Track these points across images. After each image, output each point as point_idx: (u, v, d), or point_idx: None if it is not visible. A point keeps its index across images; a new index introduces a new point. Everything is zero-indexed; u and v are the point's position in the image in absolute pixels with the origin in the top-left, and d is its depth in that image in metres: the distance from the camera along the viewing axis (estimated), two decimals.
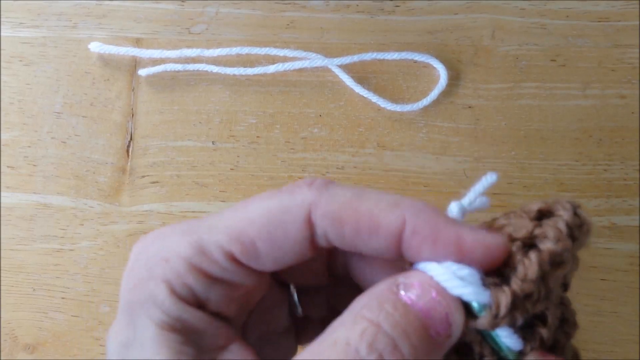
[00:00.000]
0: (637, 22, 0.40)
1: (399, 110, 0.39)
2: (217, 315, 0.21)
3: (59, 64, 0.41)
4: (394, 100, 0.39)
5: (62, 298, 0.39)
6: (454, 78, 0.40)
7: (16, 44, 0.41)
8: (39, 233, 0.39)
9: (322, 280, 0.24)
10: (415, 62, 0.40)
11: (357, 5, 0.41)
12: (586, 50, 0.40)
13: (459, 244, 0.18)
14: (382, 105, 0.39)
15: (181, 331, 0.20)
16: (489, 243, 0.19)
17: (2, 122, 0.40)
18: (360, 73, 0.40)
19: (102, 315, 0.38)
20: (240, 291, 0.21)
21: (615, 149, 0.39)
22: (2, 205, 0.40)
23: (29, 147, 0.40)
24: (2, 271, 0.39)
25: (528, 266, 0.19)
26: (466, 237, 0.18)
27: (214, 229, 0.20)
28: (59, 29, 0.41)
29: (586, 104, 0.39)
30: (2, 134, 0.40)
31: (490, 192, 0.41)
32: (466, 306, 0.19)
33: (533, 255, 0.19)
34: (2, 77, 0.41)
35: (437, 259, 0.19)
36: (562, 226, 0.20)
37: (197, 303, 0.20)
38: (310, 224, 0.20)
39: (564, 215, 0.20)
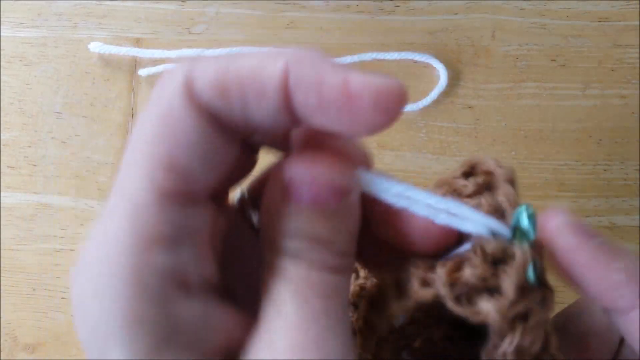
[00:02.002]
0: (637, 22, 0.40)
1: None
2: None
3: (59, 64, 0.41)
4: None
5: (62, 298, 0.39)
6: (454, 78, 0.40)
7: (16, 44, 0.41)
8: (39, 233, 0.39)
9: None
10: (415, 62, 0.40)
11: (357, 5, 0.41)
12: (586, 50, 0.40)
13: (346, 89, 0.16)
14: None
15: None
16: (379, 85, 0.16)
17: (2, 122, 0.40)
18: None
19: None
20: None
21: (615, 149, 0.39)
22: (2, 205, 0.40)
23: (29, 147, 0.40)
24: (2, 271, 0.39)
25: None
26: (353, 80, 0.16)
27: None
28: (59, 29, 0.41)
29: (586, 104, 0.39)
30: (2, 134, 0.40)
31: None
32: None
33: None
34: (2, 77, 0.41)
35: (326, 111, 0.17)
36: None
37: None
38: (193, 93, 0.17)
39: (495, 169, 0.21)
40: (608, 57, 0.40)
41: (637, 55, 0.39)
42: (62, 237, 0.39)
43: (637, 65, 0.39)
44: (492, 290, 0.18)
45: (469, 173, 0.21)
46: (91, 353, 0.17)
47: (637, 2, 0.40)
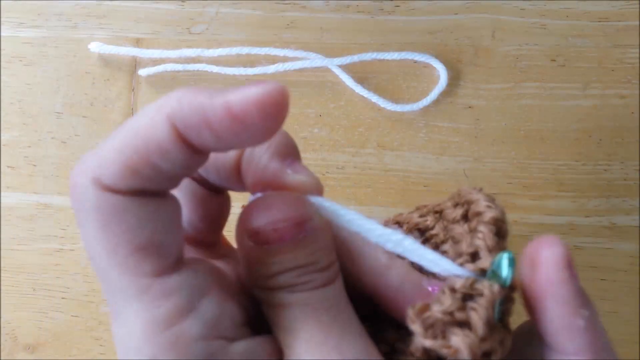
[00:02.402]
0: (637, 22, 0.40)
1: (399, 110, 0.39)
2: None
3: (59, 64, 0.41)
4: (394, 100, 0.39)
5: (62, 298, 0.39)
6: (454, 78, 0.40)
7: (16, 44, 0.41)
8: (39, 233, 0.39)
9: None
10: (415, 62, 0.40)
11: (357, 5, 0.41)
12: (586, 50, 0.40)
13: (230, 113, 0.17)
14: (382, 105, 0.39)
15: None
16: (258, 95, 0.17)
17: (2, 122, 0.40)
18: (360, 73, 0.40)
19: (102, 315, 0.38)
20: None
21: (615, 149, 0.39)
22: (2, 205, 0.40)
23: (29, 147, 0.40)
24: (2, 271, 0.39)
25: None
26: (233, 101, 0.17)
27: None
28: (59, 29, 0.41)
29: (586, 104, 0.39)
30: (2, 134, 0.40)
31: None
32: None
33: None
34: (2, 77, 0.41)
35: (223, 138, 0.17)
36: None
37: None
38: None
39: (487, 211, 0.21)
40: (608, 57, 0.40)
41: (637, 55, 0.39)
42: (62, 237, 0.39)
43: (637, 65, 0.39)
44: (462, 325, 0.18)
45: (465, 215, 0.22)
46: None
47: (637, 2, 0.40)
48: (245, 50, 0.40)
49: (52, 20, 0.41)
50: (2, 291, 0.39)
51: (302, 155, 0.40)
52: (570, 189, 0.39)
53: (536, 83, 0.40)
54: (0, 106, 0.40)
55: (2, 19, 0.41)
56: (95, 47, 0.40)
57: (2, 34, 0.41)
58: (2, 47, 0.41)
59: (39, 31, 0.41)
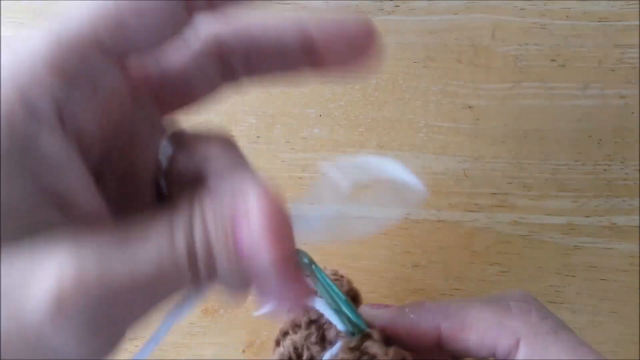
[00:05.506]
0: (637, 22, 0.40)
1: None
2: (73, 136, 0.17)
3: None
4: (395, 100, 0.39)
5: None
6: (454, 78, 0.40)
7: None
8: None
9: (215, 87, 0.21)
10: (415, 62, 0.40)
11: (357, 6, 0.41)
12: (586, 50, 0.40)
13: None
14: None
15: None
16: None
17: None
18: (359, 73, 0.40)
19: None
20: (103, 96, 0.17)
21: (615, 149, 0.39)
22: None
23: None
24: None
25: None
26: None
27: (71, 19, 0.17)
28: None
29: (586, 104, 0.39)
30: None
31: (489, 192, 0.41)
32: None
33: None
34: None
35: None
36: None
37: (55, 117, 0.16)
38: None
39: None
40: (608, 57, 0.40)
41: (637, 55, 0.39)
42: None
43: (637, 65, 0.39)
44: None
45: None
46: None
47: (637, 2, 0.40)
48: None
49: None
50: None
51: (302, 155, 0.41)
52: (570, 189, 0.39)
53: (536, 83, 0.40)
54: None
55: (2, 19, 0.41)
56: None
57: (2, 34, 0.41)
58: (2, 47, 0.41)
59: None
